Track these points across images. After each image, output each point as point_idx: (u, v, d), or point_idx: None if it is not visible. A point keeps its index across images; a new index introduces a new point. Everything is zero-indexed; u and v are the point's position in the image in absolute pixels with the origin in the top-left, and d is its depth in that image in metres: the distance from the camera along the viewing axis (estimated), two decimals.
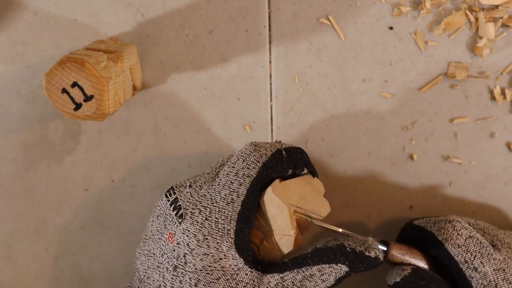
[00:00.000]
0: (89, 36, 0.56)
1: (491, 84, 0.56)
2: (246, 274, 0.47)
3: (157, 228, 0.50)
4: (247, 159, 0.48)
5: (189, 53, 0.56)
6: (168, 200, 0.49)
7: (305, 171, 0.51)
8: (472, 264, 0.50)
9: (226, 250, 0.47)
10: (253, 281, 0.47)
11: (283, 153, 0.49)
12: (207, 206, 0.48)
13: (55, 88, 0.47)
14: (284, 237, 0.48)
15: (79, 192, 0.60)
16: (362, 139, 0.58)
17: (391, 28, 0.55)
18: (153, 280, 0.49)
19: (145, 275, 0.50)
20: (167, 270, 0.48)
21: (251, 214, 0.48)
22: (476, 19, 0.54)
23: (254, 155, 0.48)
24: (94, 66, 0.47)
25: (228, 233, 0.47)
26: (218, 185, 0.48)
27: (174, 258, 0.48)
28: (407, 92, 0.56)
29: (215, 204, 0.48)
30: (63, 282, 0.62)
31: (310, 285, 0.48)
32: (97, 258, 0.61)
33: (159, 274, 0.49)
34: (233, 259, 0.47)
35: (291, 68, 0.56)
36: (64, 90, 0.47)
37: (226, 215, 0.47)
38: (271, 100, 0.57)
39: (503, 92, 0.56)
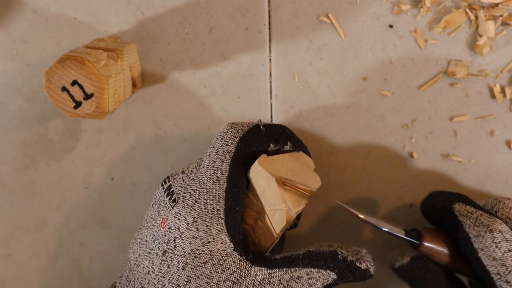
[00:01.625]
0: (89, 34, 0.56)
1: (491, 82, 0.56)
2: (234, 261, 0.47)
3: (151, 216, 0.50)
4: (225, 136, 0.49)
5: (189, 51, 0.56)
6: (164, 188, 0.50)
7: (289, 145, 0.50)
8: (505, 277, 0.47)
9: (216, 234, 0.47)
10: (240, 270, 0.47)
11: (261, 127, 0.50)
12: (196, 189, 0.48)
13: (55, 86, 0.47)
14: (276, 212, 0.48)
15: (79, 190, 0.60)
16: (362, 137, 0.58)
17: (391, 26, 0.55)
18: (143, 267, 0.49)
19: (135, 263, 0.50)
20: (157, 255, 0.48)
21: (239, 190, 0.48)
22: (476, 17, 0.54)
23: (231, 132, 0.49)
24: (94, 64, 0.47)
25: (218, 213, 0.47)
26: (203, 167, 0.49)
27: (165, 243, 0.48)
28: (407, 90, 0.56)
29: (203, 186, 0.48)
30: (63, 280, 0.62)
31: (297, 287, 0.47)
32: (97, 256, 0.61)
33: (149, 260, 0.49)
34: (221, 243, 0.47)
35: (291, 66, 0.56)
36: (64, 88, 0.47)
37: (214, 194, 0.47)
38: (271, 98, 0.57)
39: (503, 90, 0.56)
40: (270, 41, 0.56)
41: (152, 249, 0.49)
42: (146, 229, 0.50)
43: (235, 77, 0.57)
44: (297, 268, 0.47)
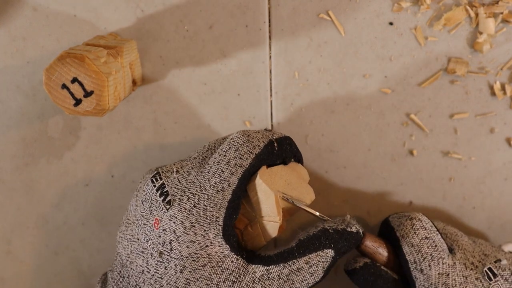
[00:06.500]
0: (89, 32, 0.56)
1: (491, 79, 0.56)
2: (232, 261, 0.47)
3: (142, 214, 0.49)
4: (240, 149, 0.48)
5: (189, 48, 0.56)
6: (155, 186, 0.49)
7: (292, 160, 0.51)
8: (419, 266, 0.50)
9: (213, 238, 0.47)
10: (238, 269, 0.47)
11: (275, 144, 0.50)
12: (195, 193, 0.48)
13: (55, 83, 0.47)
14: (269, 223, 0.49)
15: (79, 188, 0.60)
16: (362, 134, 0.58)
17: (391, 23, 0.55)
18: (136, 265, 0.49)
19: (127, 260, 0.50)
20: (151, 255, 0.48)
21: (240, 201, 0.48)
22: (476, 14, 0.54)
23: (247, 146, 0.49)
24: (94, 61, 0.46)
25: (216, 220, 0.47)
26: (208, 172, 0.48)
27: (160, 244, 0.48)
28: (407, 88, 0.56)
29: (204, 192, 0.48)
30: (63, 277, 0.62)
31: (298, 280, 0.48)
32: (97, 254, 0.61)
33: (142, 260, 0.49)
34: (219, 246, 0.47)
35: (291, 64, 0.56)
36: (64, 86, 0.47)
37: (216, 203, 0.47)
38: (271, 95, 0.57)
39: (503, 88, 0.56)
40: (270, 39, 0.56)
41: (146, 248, 0.49)
42: (136, 227, 0.50)
43: (235, 74, 0.57)
44: (294, 261, 0.48)
